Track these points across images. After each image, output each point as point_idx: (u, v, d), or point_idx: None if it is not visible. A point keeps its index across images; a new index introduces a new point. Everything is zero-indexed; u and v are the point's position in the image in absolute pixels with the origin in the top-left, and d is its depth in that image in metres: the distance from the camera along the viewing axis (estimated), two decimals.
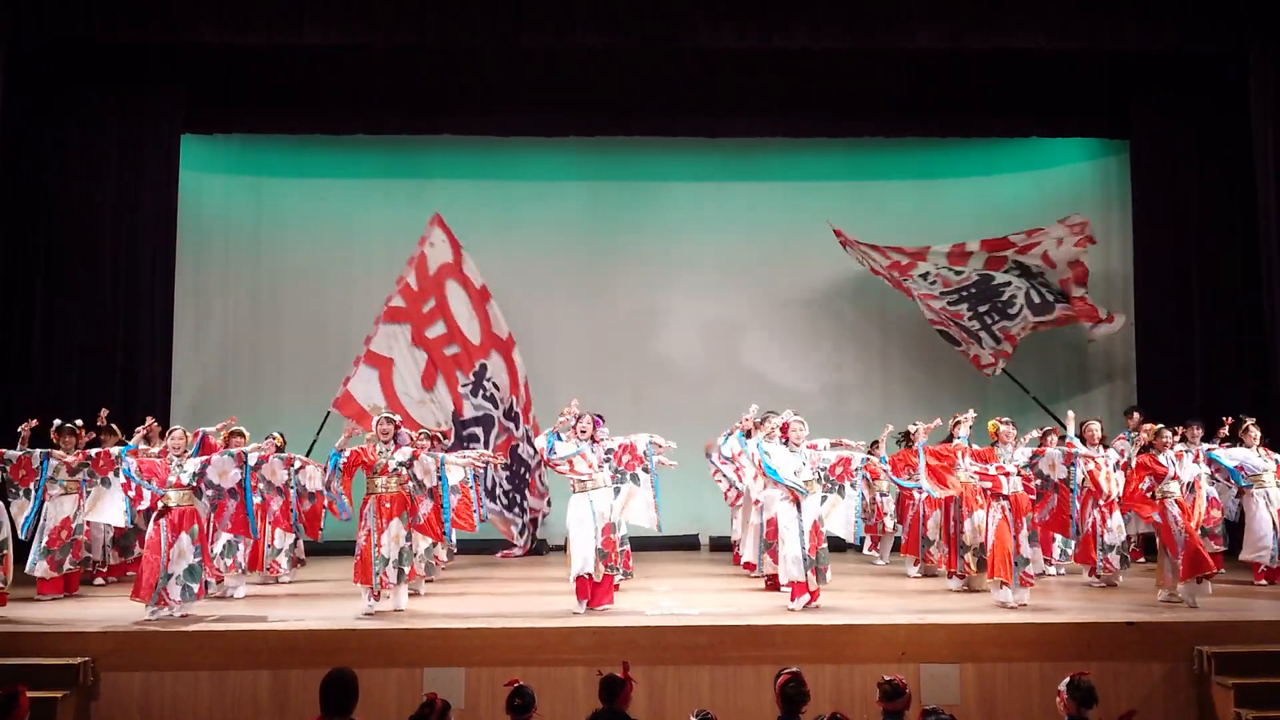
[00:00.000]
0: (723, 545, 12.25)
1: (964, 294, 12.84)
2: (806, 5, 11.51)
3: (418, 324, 12.24)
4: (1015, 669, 7.53)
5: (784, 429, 8.83)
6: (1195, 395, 12.17)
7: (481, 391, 12.26)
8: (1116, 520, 9.78)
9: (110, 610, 8.52)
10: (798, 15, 11.52)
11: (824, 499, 8.89)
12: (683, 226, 13.94)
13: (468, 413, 12.24)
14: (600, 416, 8.91)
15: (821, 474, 8.84)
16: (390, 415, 8.82)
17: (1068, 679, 5.31)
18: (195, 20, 11.17)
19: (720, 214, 13.98)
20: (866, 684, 6.74)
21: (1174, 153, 12.96)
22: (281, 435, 10.00)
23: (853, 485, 9.00)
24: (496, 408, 12.31)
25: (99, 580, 10.14)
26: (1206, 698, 7.41)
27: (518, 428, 12.34)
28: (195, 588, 8.11)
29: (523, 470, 12.36)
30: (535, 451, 11.53)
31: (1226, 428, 10.15)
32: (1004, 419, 9.12)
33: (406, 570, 8.46)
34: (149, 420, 9.72)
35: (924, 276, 12.93)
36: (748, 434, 9.96)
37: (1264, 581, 9.74)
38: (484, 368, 12.34)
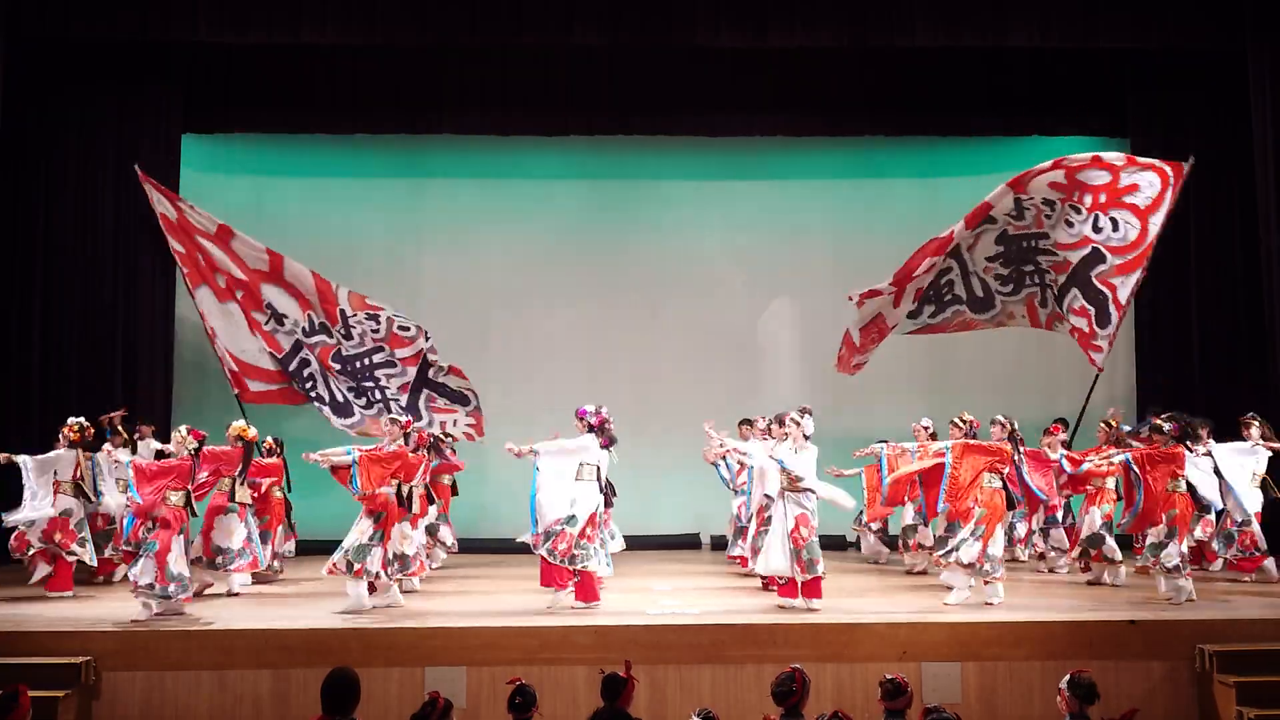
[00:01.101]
0: (724, 545, 12.22)
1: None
2: (806, 3, 11.54)
3: (210, 282, 11.97)
4: (1016, 667, 7.54)
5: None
6: (1195, 395, 12.16)
7: (284, 321, 11.99)
8: (1095, 514, 9.85)
9: (112, 610, 8.52)
10: (797, 13, 11.56)
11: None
12: (683, 225, 13.92)
13: (285, 345, 12.05)
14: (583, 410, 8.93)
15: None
16: (396, 418, 8.86)
17: (1069, 676, 5.31)
18: (195, 20, 11.19)
19: (721, 212, 13.95)
20: (868, 683, 6.74)
21: (1174, 151, 12.92)
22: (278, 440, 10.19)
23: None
24: (297, 331, 12.00)
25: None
26: (1208, 696, 7.41)
27: (330, 335, 11.95)
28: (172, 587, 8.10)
29: (359, 364, 11.97)
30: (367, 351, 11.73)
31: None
32: (994, 417, 9.13)
33: (353, 565, 8.27)
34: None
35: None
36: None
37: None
38: (268, 303, 12.01)
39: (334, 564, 8.34)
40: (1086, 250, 11.39)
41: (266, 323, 11.98)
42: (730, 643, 7.61)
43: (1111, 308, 11.38)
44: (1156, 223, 11.13)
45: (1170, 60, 12.53)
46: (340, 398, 11.81)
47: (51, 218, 12.26)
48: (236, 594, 9.40)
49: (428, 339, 11.90)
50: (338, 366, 11.87)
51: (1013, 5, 11.55)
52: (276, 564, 10.39)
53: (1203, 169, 12.72)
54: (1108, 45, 11.99)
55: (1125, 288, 11.31)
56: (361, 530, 8.35)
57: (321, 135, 13.38)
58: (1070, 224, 11.41)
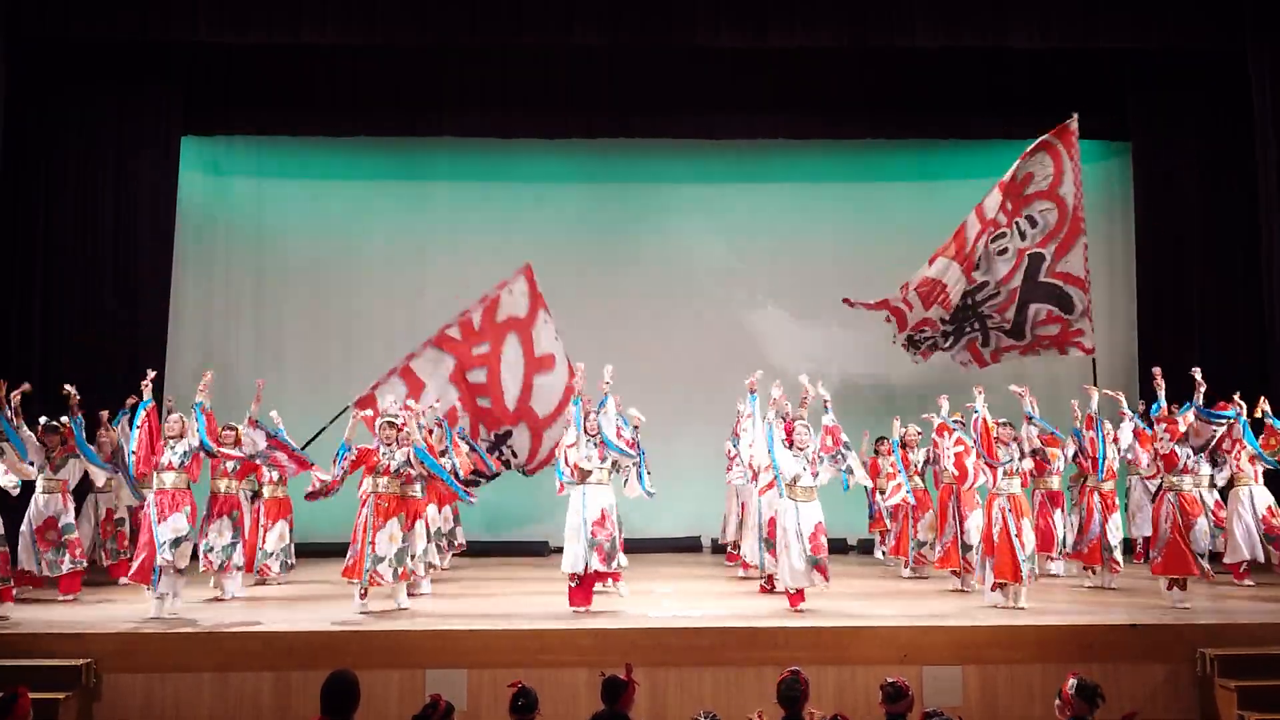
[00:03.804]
0: (724, 547, 12.24)
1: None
2: (806, 3, 11.54)
3: (463, 362, 11.48)
4: (1017, 671, 7.53)
5: (789, 432, 8.78)
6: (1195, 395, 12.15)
7: (498, 454, 11.54)
8: (1115, 520, 9.85)
9: (112, 611, 8.53)
10: (797, 13, 11.56)
11: (838, 464, 8.83)
12: (684, 227, 13.90)
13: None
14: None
15: (822, 463, 8.73)
16: (393, 420, 8.84)
17: (1074, 680, 5.29)
18: (195, 20, 11.19)
19: (721, 214, 13.95)
20: (869, 686, 6.72)
21: (1175, 152, 12.96)
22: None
23: (847, 447, 8.89)
24: (509, 469, 11.69)
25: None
26: (1209, 700, 7.41)
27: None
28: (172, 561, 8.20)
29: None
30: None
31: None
32: (1000, 421, 9.11)
33: (399, 570, 8.53)
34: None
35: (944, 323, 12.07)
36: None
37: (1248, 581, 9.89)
38: (508, 433, 11.62)
39: (376, 574, 8.40)
40: (1025, 263, 11.59)
41: (481, 440, 11.48)
42: (731, 645, 7.61)
43: (1071, 290, 11.55)
44: (1069, 190, 11.35)
45: (1170, 60, 12.53)
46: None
47: (51, 218, 12.25)
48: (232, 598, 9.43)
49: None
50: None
51: (1013, 5, 11.56)
52: (275, 565, 10.39)
53: (1203, 169, 12.77)
54: (1108, 45, 12.00)
55: (1074, 262, 11.49)
56: (393, 535, 8.47)
57: (322, 137, 13.37)
58: (1004, 251, 11.61)
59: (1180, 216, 12.84)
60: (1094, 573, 9.84)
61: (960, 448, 9.41)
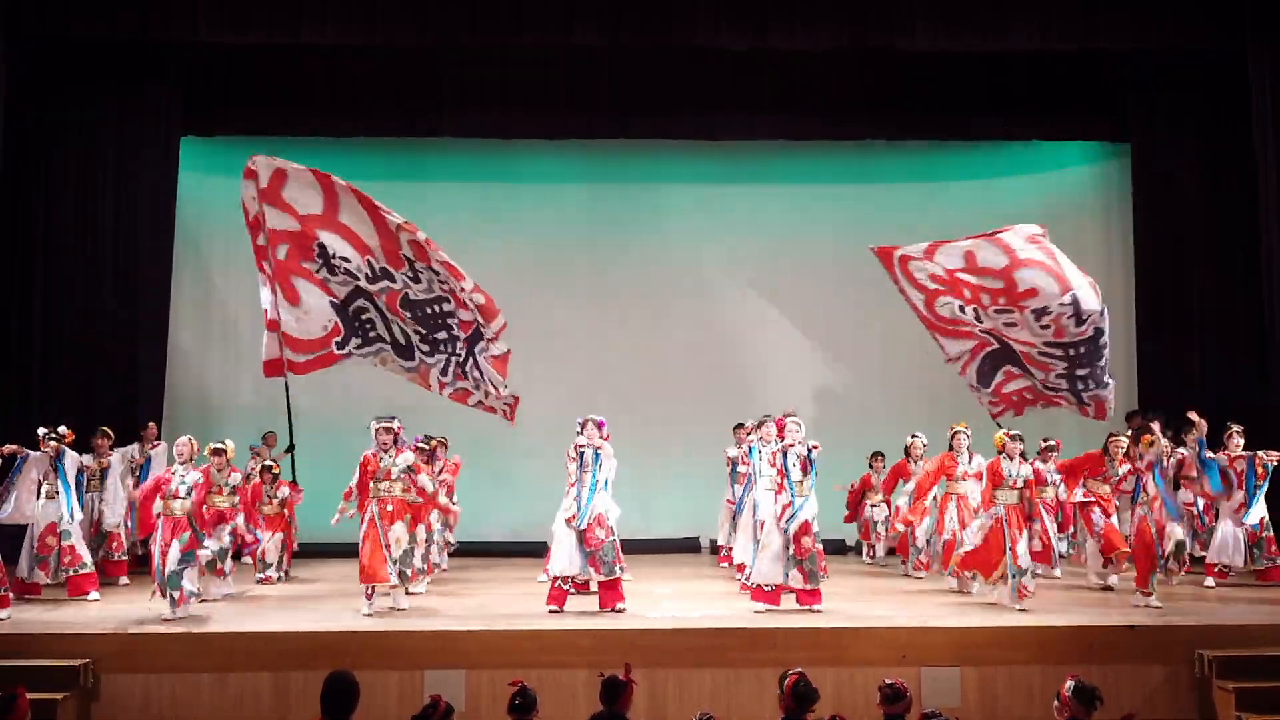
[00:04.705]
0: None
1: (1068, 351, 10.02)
2: (806, 3, 11.54)
3: (265, 271, 10.52)
4: (1016, 672, 7.55)
5: (779, 428, 8.84)
6: (1196, 399, 12.13)
7: (337, 269, 10.41)
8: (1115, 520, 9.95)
9: (111, 612, 8.53)
10: (797, 14, 11.56)
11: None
12: (685, 229, 13.87)
13: (340, 293, 10.56)
14: (601, 420, 8.97)
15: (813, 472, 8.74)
16: (388, 424, 8.85)
17: (1072, 682, 5.29)
18: (195, 20, 11.18)
19: (722, 216, 13.91)
20: (867, 687, 6.72)
21: (1175, 152, 12.95)
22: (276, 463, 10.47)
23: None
24: (358, 277, 10.44)
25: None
26: (1207, 701, 7.43)
27: (394, 280, 10.34)
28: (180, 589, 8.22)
29: (427, 312, 10.43)
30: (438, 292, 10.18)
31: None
32: (1011, 433, 9.14)
33: (408, 572, 8.69)
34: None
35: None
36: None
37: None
38: (322, 247, 10.40)
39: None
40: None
41: (317, 272, 10.47)
42: (730, 646, 7.63)
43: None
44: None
45: (1170, 60, 12.52)
46: (404, 340, 10.55)
47: (51, 218, 12.24)
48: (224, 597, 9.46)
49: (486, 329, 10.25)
50: (406, 313, 10.45)
51: (1013, 6, 11.55)
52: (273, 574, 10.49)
53: (1203, 169, 12.78)
54: (1108, 46, 11.98)
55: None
56: (398, 539, 8.55)
57: (322, 137, 13.35)
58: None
59: (1180, 216, 12.83)
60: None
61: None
